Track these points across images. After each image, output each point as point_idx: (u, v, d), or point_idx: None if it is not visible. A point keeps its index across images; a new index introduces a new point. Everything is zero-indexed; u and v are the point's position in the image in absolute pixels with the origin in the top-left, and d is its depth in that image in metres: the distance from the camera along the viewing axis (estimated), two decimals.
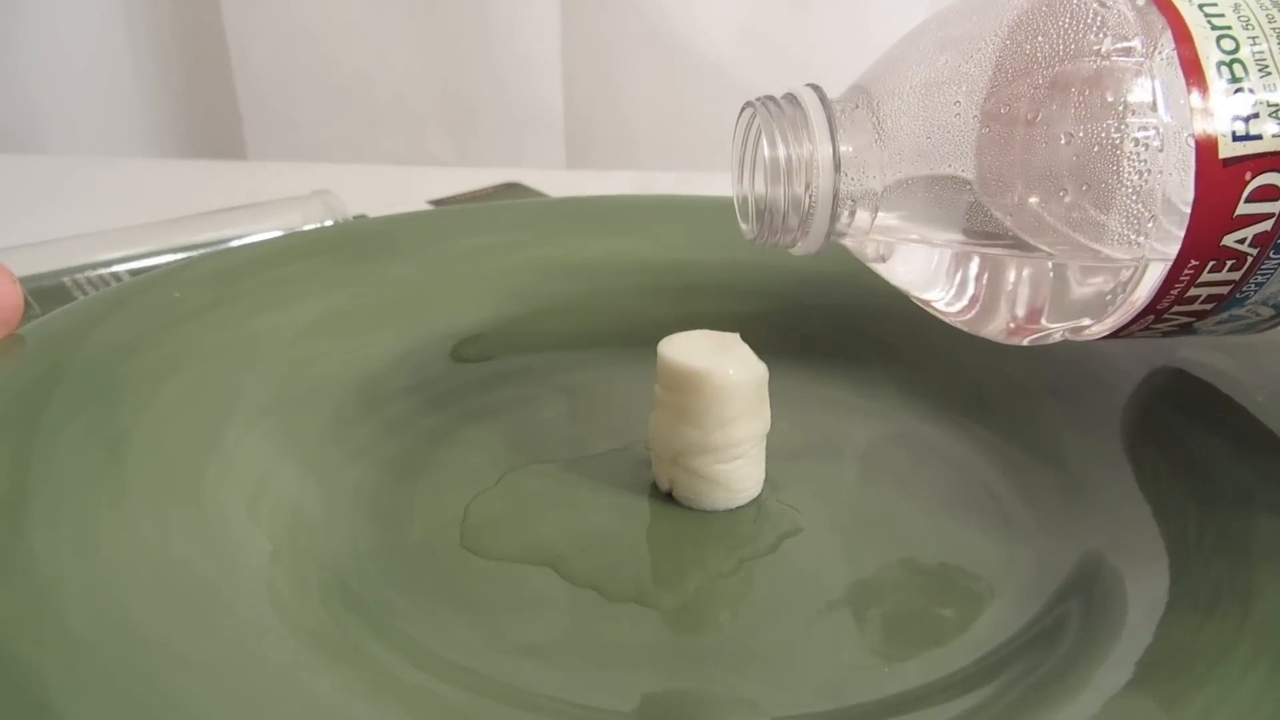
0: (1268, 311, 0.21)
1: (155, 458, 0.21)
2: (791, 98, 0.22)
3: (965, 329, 0.23)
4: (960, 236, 0.21)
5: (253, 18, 0.66)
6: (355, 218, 0.41)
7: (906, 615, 0.21)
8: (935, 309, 0.23)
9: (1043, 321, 0.21)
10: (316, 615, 0.19)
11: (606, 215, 0.35)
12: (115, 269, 0.36)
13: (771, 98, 0.22)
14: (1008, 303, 0.22)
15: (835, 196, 0.21)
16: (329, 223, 0.40)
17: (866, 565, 0.22)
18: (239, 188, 0.48)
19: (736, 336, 0.23)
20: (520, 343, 0.30)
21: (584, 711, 0.18)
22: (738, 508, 0.24)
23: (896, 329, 0.30)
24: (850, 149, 0.21)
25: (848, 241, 0.23)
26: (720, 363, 0.22)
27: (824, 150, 0.21)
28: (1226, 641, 0.18)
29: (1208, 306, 0.20)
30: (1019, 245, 0.20)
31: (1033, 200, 0.19)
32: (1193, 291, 0.19)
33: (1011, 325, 0.22)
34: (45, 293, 0.34)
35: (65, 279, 0.35)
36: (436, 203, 0.48)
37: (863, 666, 0.19)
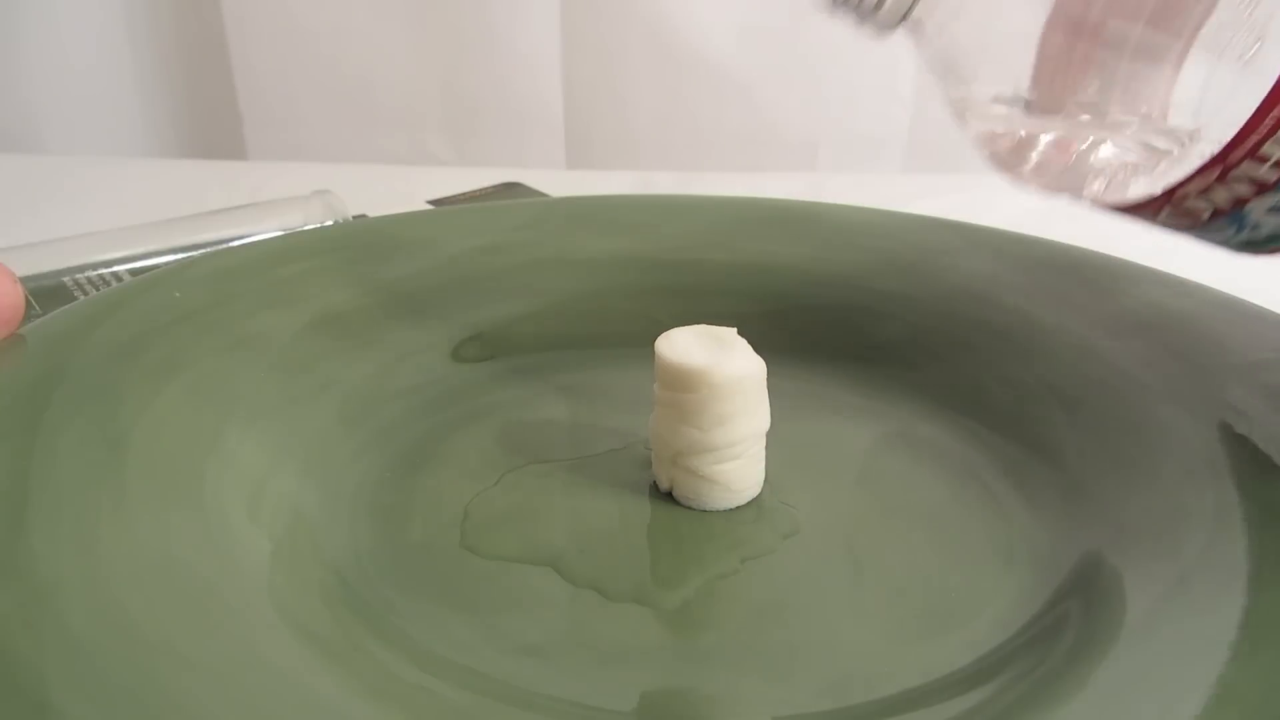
0: None
1: (155, 458, 0.21)
2: None
3: (1009, 168, 0.22)
4: (1044, 29, 0.20)
5: (253, 18, 0.66)
6: (355, 218, 0.41)
7: (906, 615, 0.21)
8: (984, 138, 0.22)
9: (1102, 160, 0.20)
10: (316, 615, 0.19)
11: (606, 215, 0.35)
12: (115, 269, 0.36)
13: None
14: (1068, 133, 0.21)
15: None
16: (329, 223, 0.40)
17: (866, 565, 0.22)
18: (239, 188, 0.48)
19: (733, 331, 0.23)
20: (520, 343, 0.30)
21: (584, 711, 0.18)
22: (738, 508, 0.24)
23: (896, 329, 0.30)
24: None
25: (922, 37, 0.21)
26: (717, 360, 0.22)
27: None
28: (1227, 641, 0.18)
29: (1274, 175, 0.19)
30: (1105, 52, 0.19)
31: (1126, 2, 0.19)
32: (1268, 149, 0.18)
33: (1067, 162, 0.21)
34: (45, 293, 0.34)
35: (65, 279, 0.35)
36: (436, 203, 0.48)
37: (862, 666, 0.19)
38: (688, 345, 0.23)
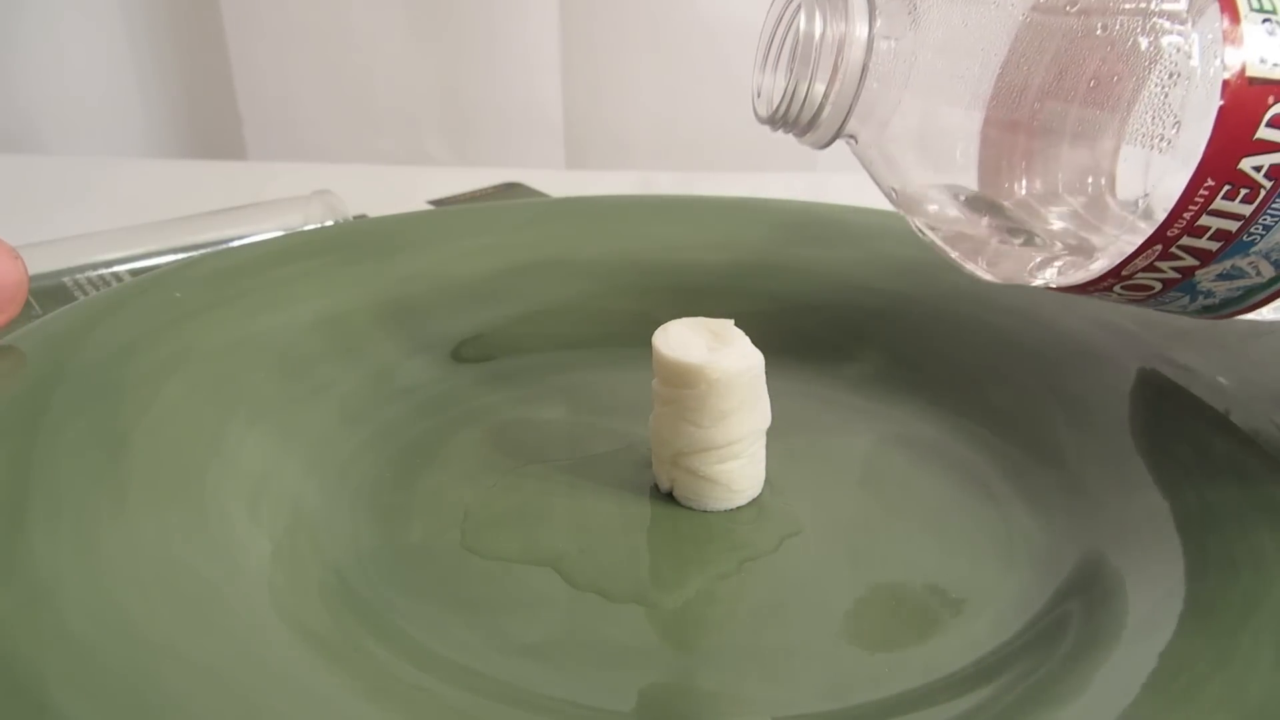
0: (1269, 270, 0.20)
1: (156, 458, 0.21)
2: None
3: (961, 261, 0.22)
4: (976, 136, 0.21)
5: (253, 18, 0.66)
6: (355, 218, 0.41)
7: (906, 616, 0.21)
8: (934, 233, 0.23)
9: (1053, 239, 0.21)
10: (317, 615, 0.19)
11: (606, 215, 0.35)
12: (115, 269, 0.36)
13: None
14: (1015, 219, 0.21)
15: (863, 78, 0.21)
16: (329, 223, 0.40)
17: (866, 565, 0.22)
18: (239, 188, 0.48)
19: (730, 323, 0.23)
20: (520, 343, 0.30)
21: (584, 711, 0.18)
22: (738, 508, 0.24)
23: (896, 329, 0.30)
24: (885, 35, 0.21)
25: (859, 145, 0.22)
26: (715, 356, 0.22)
27: (860, 30, 0.21)
28: (1228, 641, 0.18)
29: (1214, 245, 0.20)
30: (1037, 153, 0.20)
31: (1059, 92, 0.19)
32: (1204, 220, 0.19)
33: (1014, 253, 0.21)
34: (45, 293, 0.34)
35: (65, 279, 0.35)
36: (436, 203, 0.48)
37: (863, 666, 0.19)
38: (685, 340, 0.23)
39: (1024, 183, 0.21)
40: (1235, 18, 0.18)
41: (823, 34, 0.21)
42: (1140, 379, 0.27)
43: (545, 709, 0.18)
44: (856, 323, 0.31)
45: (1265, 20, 0.19)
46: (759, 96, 0.23)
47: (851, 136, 0.22)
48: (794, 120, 0.22)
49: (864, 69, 0.21)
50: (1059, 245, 0.21)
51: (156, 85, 0.70)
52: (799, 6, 0.22)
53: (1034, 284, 0.22)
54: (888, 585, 0.22)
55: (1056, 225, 0.21)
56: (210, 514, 0.21)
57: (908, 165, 0.23)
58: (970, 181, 0.22)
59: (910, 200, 0.23)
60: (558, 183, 0.51)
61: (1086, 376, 0.27)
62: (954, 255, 0.23)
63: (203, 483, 0.22)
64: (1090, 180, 0.20)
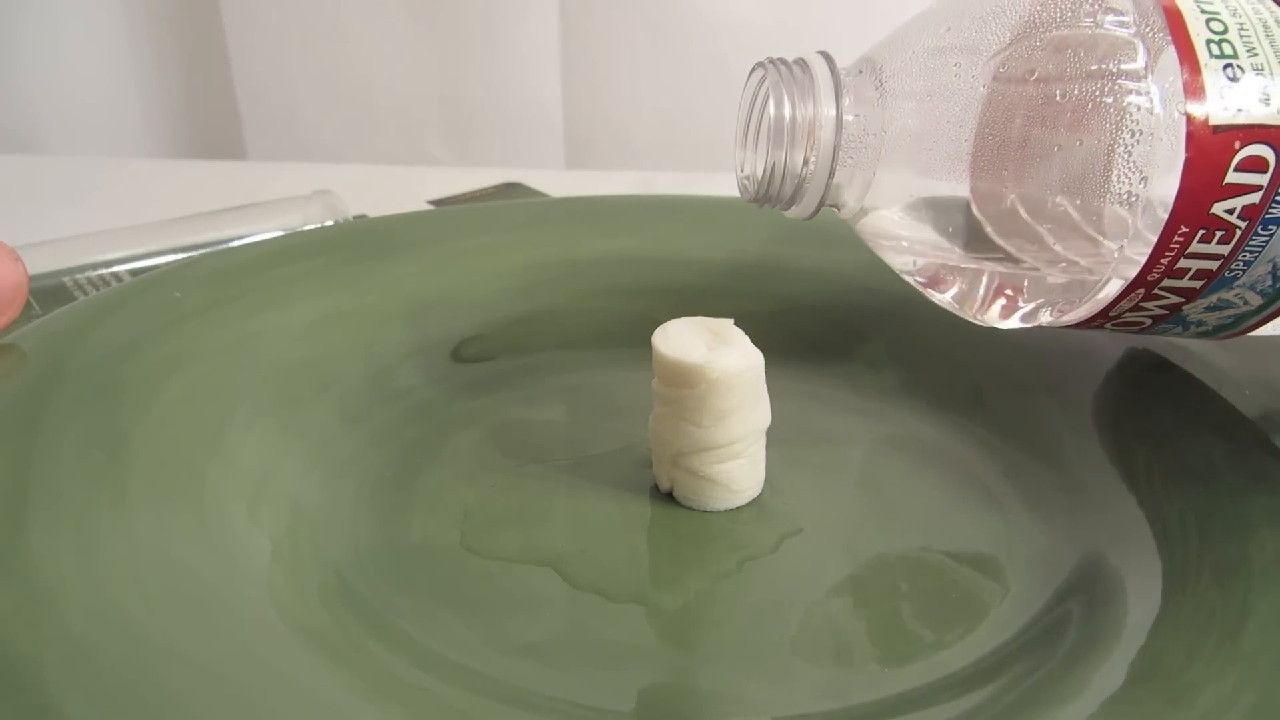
0: (1256, 299, 0.21)
1: (156, 458, 0.21)
2: (801, 61, 0.22)
3: (954, 307, 0.23)
4: (954, 203, 0.21)
5: (253, 18, 0.66)
6: (355, 218, 0.41)
7: (906, 616, 0.21)
8: (926, 287, 0.23)
9: (1034, 296, 0.21)
10: (316, 615, 0.19)
11: (606, 215, 0.35)
12: (115, 269, 0.36)
13: (782, 59, 0.22)
14: (1000, 276, 0.22)
15: (835, 156, 0.22)
16: (329, 223, 0.40)
17: (866, 566, 0.22)
18: (239, 188, 0.48)
19: (730, 322, 0.23)
20: (520, 343, 0.30)
21: (584, 711, 0.18)
22: (738, 508, 0.24)
23: (896, 329, 0.30)
24: (853, 113, 0.21)
25: (844, 213, 0.23)
26: (715, 355, 0.22)
27: (828, 111, 0.21)
28: (1227, 641, 0.18)
29: (1197, 284, 0.20)
30: (1014, 209, 0.20)
31: (1027, 160, 0.20)
32: (1183, 263, 0.20)
33: (1002, 301, 0.22)
34: (45, 293, 0.34)
35: (65, 279, 0.35)
36: (436, 203, 0.48)
37: (863, 667, 0.19)
38: (685, 340, 0.23)
39: (1008, 241, 0.21)
40: (1195, 68, 0.19)
41: (792, 117, 0.22)
42: (1141, 379, 0.27)
43: (545, 709, 0.18)
44: (856, 323, 0.31)
45: (1226, 66, 0.19)
46: (742, 172, 0.24)
47: (835, 206, 0.23)
48: (776, 197, 0.23)
49: (836, 147, 0.22)
50: (1047, 295, 0.22)
51: (156, 85, 0.70)
52: (768, 91, 0.22)
53: (1027, 326, 0.22)
54: (887, 585, 0.22)
55: (1043, 278, 0.21)
56: (210, 514, 0.21)
57: (891, 230, 0.23)
58: (951, 242, 0.22)
59: (903, 265, 0.24)
60: (558, 183, 0.51)
61: (1086, 377, 0.27)
62: (947, 303, 0.23)
63: (203, 483, 0.22)
64: (1070, 235, 0.20)
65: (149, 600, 0.18)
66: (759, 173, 0.23)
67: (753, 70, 0.23)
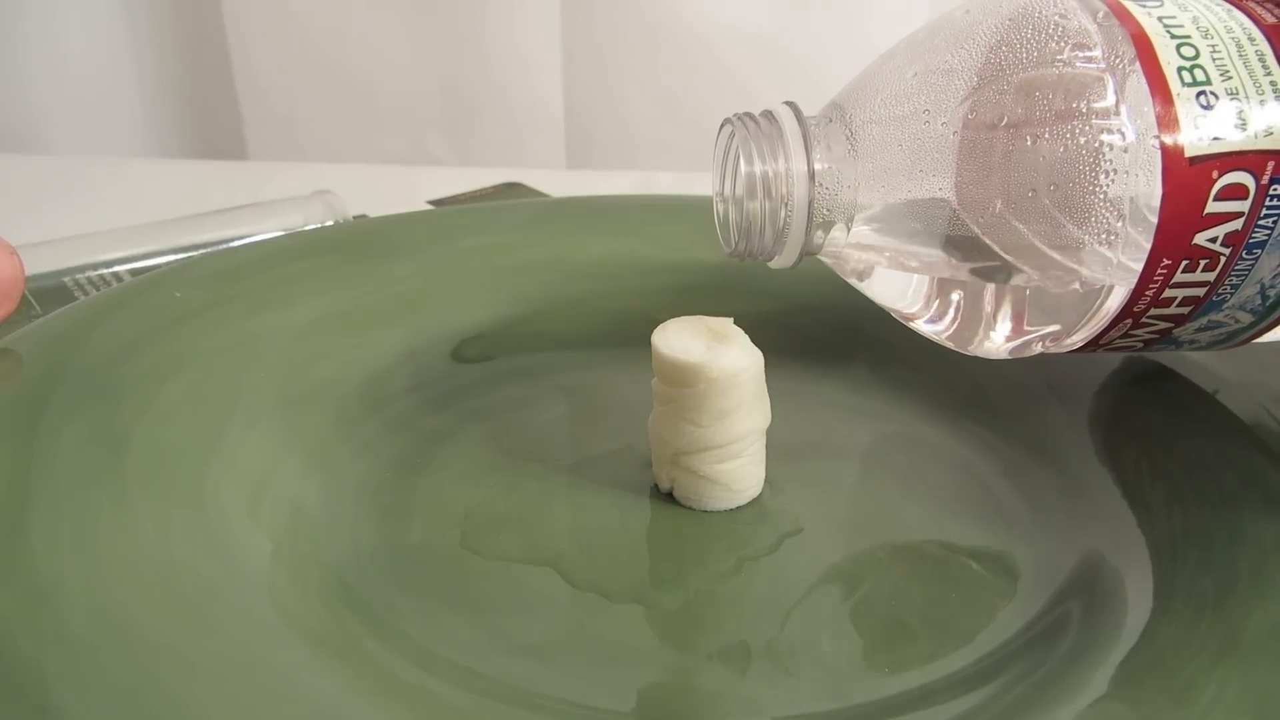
0: (1247, 318, 0.21)
1: (156, 458, 0.21)
2: (768, 114, 0.22)
3: (947, 343, 0.23)
4: (934, 247, 0.21)
5: (253, 18, 0.66)
6: (355, 218, 0.41)
7: (906, 615, 0.21)
8: (916, 324, 0.23)
9: (1023, 328, 0.22)
10: (317, 615, 0.19)
11: (606, 215, 0.35)
12: (115, 269, 0.36)
13: (749, 114, 0.22)
14: (986, 313, 0.22)
15: (810, 208, 0.22)
16: (329, 223, 0.40)
17: (866, 565, 0.22)
18: (239, 188, 0.48)
19: (729, 322, 0.23)
20: (520, 343, 0.30)
21: (584, 711, 0.18)
22: (738, 508, 0.24)
23: (896, 329, 0.30)
24: (825, 163, 0.21)
25: (826, 258, 0.23)
26: (715, 355, 0.22)
27: (798, 165, 0.21)
28: (1227, 640, 0.18)
29: (1184, 310, 0.20)
30: (993, 251, 0.20)
31: (1002, 203, 0.20)
32: (1168, 293, 0.19)
33: (991, 336, 0.22)
34: (45, 293, 0.34)
35: (65, 279, 0.35)
36: (436, 203, 0.48)
37: (863, 666, 0.19)
38: (684, 339, 0.23)
39: (992, 279, 0.21)
40: (1167, 99, 0.18)
41: (763, 174, 0.21)
42: (1141, 379, 0.27)
43: (545, 709, 0.18)
44: (856, 323, 0.30)
45: (1200, 94, 0.18)
46: (720, 222, 0.24)
47: (813, 254, 0.23)
48: (757, 250, 0.23)
49: (810, 199, 0.21)
50: (1035, 330, 0.22)
51: (156, 85, 0.70)
52: (737, 149, 0.22)
53: (1021, 356, 0.22)
54: (887, 585, 0.22)
55: (1031, 313, 0.21)
56: (210, 514, 0.21)
57: (874, 273, 0.23)
58: (935, 283, 0.22)
59: (893, 305, 0.24)
60: (558, 183, 0.51)
61: (1087, 378, 0.27)
62: (935, 338, 0.23)
63: (203, 483, 0.22)
64: (1053, 272, 0.20)
65: (149, 600, 0.18)
66: (734, 233, 0.23)
67: (722, 126, 0.23)
